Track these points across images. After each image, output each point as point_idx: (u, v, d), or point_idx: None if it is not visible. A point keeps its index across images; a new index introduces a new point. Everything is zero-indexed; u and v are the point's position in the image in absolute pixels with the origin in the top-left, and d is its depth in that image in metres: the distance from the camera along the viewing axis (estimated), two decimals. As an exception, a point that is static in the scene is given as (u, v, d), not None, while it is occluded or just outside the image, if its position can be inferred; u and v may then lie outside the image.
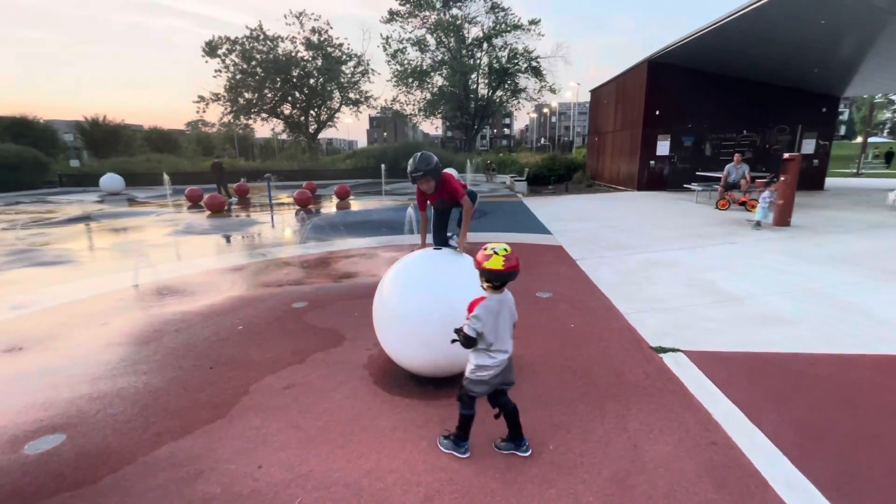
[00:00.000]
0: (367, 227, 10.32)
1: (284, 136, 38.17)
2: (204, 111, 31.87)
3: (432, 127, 44.53)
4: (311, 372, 3.42)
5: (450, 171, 18.46)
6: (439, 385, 3.12)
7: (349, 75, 34.04)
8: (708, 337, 3.86)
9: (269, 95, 32.27)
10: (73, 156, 29.84)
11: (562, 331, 4.08)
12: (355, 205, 15.60)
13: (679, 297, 4.90)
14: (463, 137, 42.16)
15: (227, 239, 9.75)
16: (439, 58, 36.28)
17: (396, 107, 37.99)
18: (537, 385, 3.13)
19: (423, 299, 2.95)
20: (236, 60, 30.26)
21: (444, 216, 3.50)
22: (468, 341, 2.30)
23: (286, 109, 33.64)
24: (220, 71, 30.05)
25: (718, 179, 11.92)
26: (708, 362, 3.39)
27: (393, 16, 34.21)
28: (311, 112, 34.41)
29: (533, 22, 34.23)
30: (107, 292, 5.63)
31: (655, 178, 15.85)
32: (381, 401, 2.99)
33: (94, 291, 5.70)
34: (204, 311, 4.85)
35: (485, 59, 36.69)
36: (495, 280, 2.32)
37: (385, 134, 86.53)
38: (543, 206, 13.30)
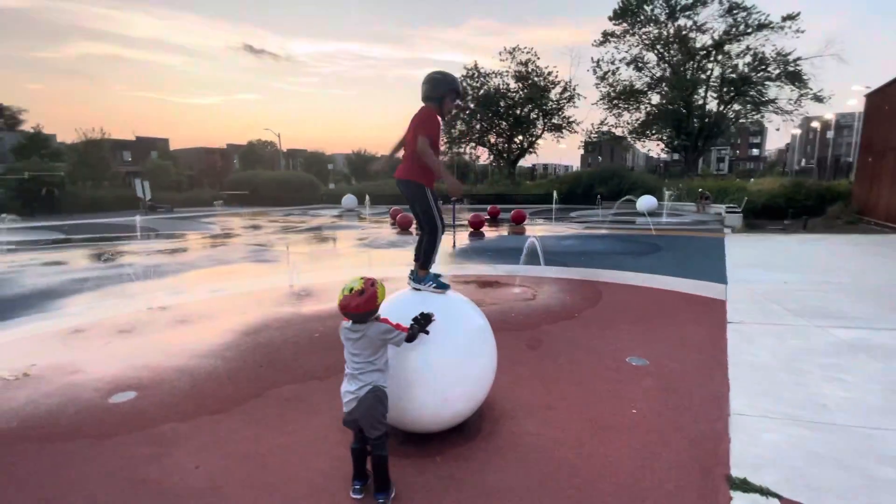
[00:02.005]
0: (513, 253, 10.04)
1: (487, 163, 41.03)
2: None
3: (655, 149, 40.35)
4: (319, 391, 3.52)
5: (649, 198, 16.74)
6: (417, 442, 2.77)
7: (555, 101, 34.25)
8: (863, 490, 2.27)
9: (478, 127, 35.32)
10: (331, 180, 39.21)
11: (614, 414, 3.07)
12: (521, 230, 15.45)
13: (865, 410, 3.05)
14: (682, 161, 36.90)
15: (414, 252, 11.02)
16: (658, 75, 32.85)
17: (604, 129, 36.14)
18: (503, 478, 2.43)
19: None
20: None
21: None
22: None
23: (492, 138, 36.16)
24: (437, 107, 34.68)
25: None
26: (817, 535, 1.99)
27: (606, 37, 32.85)
28: (515, 140, 35.99)
29: (789, 17, 27.48)
30: (269, 288, 7.10)
31: (970, 217, 10.38)
32: (338, 441, 2.84)
33: (264, 286, 7.27)
34: (309, 315, 5.60)
35: (716, 70, 31.35)
36: (346, 316, 2.24)
37: (600, 158, 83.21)
38: (748, 247, 10.37)
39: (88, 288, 7.35)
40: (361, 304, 2.16)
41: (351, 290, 2.18)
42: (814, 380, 3.53)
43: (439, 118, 2.79)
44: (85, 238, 14.70)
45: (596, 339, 4.56)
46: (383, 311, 2.69)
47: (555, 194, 20.20)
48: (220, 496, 2.32)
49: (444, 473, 2.47)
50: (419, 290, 2.81)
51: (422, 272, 2.83)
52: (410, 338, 2.33)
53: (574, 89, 33.98)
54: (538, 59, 33.77)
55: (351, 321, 2.24)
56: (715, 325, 4.87)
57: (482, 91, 34.19)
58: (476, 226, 15.58)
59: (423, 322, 2.39)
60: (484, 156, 38.82)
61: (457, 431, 2.84)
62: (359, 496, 2.26)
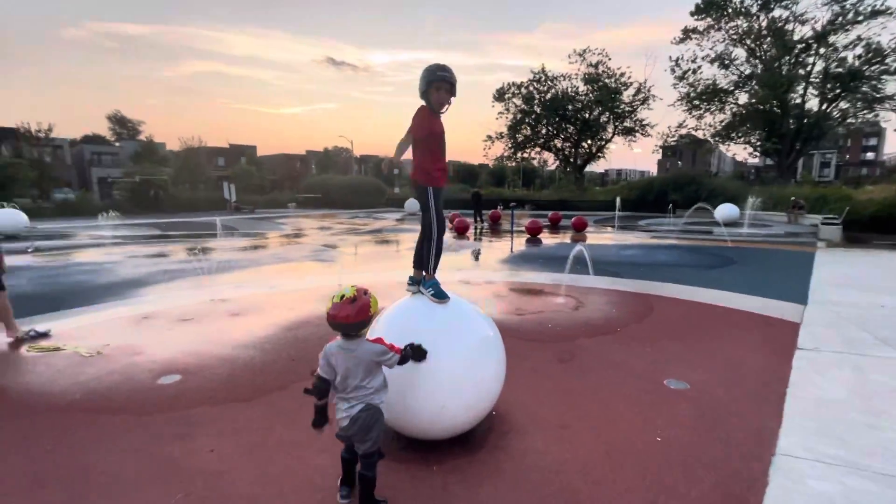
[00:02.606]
0: (566, 262, 9.66)
1: (553, 168, 40.03)
2: (489, 148, 37.01)
3: (743, 153, 36.97)
4: (339, 388, 3.61)
5: (728, 207, 15.77)
6: (419, 449, 2.75)
7: (627, 103, 32.62)
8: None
9: (543, 131, 34.58)
10: (397, 185, 40.53)
11: (634, 439, 2.81)
12: (583, 237, 14.83)
13: (957, 467, 2.52)
14: (775, 166, 33.36)
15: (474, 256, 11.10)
16: (747, 72, 30.04)
17: (682, 132, 33.75)
18: (495, 496, 2.31)
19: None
20: (517, 103, 34.00)
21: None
22: (314, 386, 2.15)
23: (558, 143, 35.24)
24: (502, 113, 34.47)
25: None
26: None
27: (687, 34, 30.67)
28: (583, 144, 34.74)
29: (914, 0, 23.77)
30: (319, 286, 7.45)
31: None
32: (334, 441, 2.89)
33: (315, 284, 7.66)
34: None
35: (818, 65, 27.97)
36: (333, 328, 2.10)
37: (680, 163, 77.82)
38: (843, 264, 9.10)
39: (166, 279, 8.22)
40: (352, 314, 2.05)
41: (342, 297, 2.08)
42: (895, 423, 2.98)
43: (429, 113, 2.69)
44: (175, 235, 16.48)
45: (634, 356, 4.23)
46: (388, 320, 2.73)
47: (617, 201, 19.15)
48: (223, 480, 2.46)
49: (437, 483, 2.42)
50: (422, 293, 2.78)
51: (427, 276, 2.81)
52: (403, 360, 2.24)
53: (649, 90, 32.16)
54: (609, 59, 32.42)
55: (340, 335, 2.15)
56: (780, 351, 4.30)
57: (549, 95, 33.44)
58: (533, 232, 15.20)
59: (416, 354, 2.32)
60: (552, 160, 37.95)
61: (460, 442, 2.77)
62: (345, 501, 2.25)
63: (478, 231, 17.72)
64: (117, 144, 55.97)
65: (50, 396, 3.50)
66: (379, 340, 2.23)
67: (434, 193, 2.73)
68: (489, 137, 35.43)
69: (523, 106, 33.71)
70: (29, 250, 11.74)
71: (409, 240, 14.75)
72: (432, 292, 2.72)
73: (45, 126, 41.37)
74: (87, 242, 14.06)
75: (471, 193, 21.07)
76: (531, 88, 33.25)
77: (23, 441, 2.87)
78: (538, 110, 33.33)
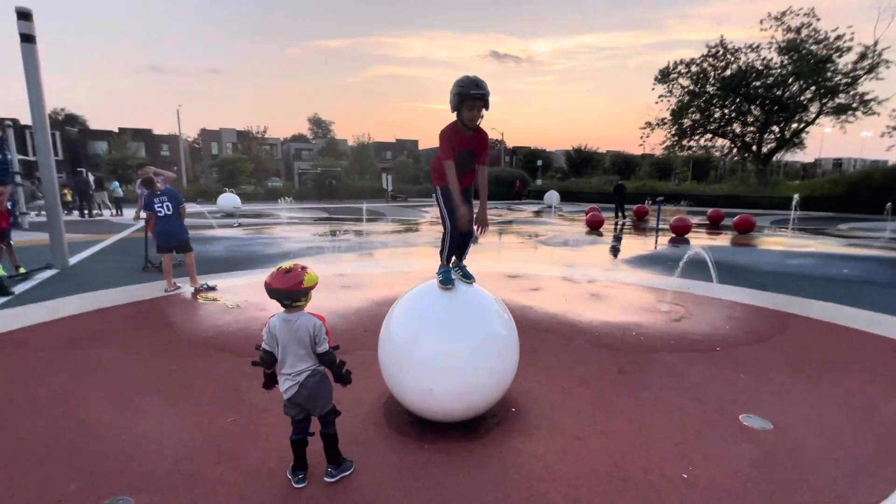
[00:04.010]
0: (703, 266, 8.34)
1: (732, 157, 33.74)
2: (648, 136, 32.91)
3: None
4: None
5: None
6: (421, 427, 2.93)
7: (846, 73, 25.47)
8: None
9: (717, 114, 29.40)
10: (546, 176, 39.69)
11: (651, 470, 2.44)
12: (746, 240, 12.44)
13: None
14: None
15: (613, 253, 10.70)
16: None
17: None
18: (467, 485, 2.31)
19: (411, 331, 2.85)
20: (684, 84, 29.42)
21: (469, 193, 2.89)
22: (261, 359, 2.31)
23: (737, 127, 29.56)
24: (663, 96, 30.24)
25: None
26: None
27: (955, -29, 22.31)
28: (773, 128, 28.48)
29: None
30: (423, 269, 7.98)
31: None
32: (373, 405, 3.21)
33: (420, 267, 8.26)
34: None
35: None
36: (268, 294, 2.25)
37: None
38: None
39: (312, 253, 9.84)
40: (283, 283, 2.21)
41: (278, 268, 2.25)
42: None
43: (453, 134, 2.66)
44: (336, 218, 19.35)
45: (717, 381, 3.56)
46: (406, 299, 2.97)
47: (795, 198, 15.39)
48: (265, 414, 3.04)
49: (420, 460, 2.55)
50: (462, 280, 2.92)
51: (442, 264, 2.94)
52: (330, 362, 2.33)
53: (879, 55, 24.56)
54: (818, 20, 25.65)
55: (282, 308, 2.29)
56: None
57: (727, 71, 28.27)
58: (679, 231, 13.35)
59: (341, 372, 2.37)
60: (727, 148, 32.13)
61: (462, 429, 2.83)
62: (303, 485, 2.32)
63: (617, 227, 16.33)
64: (313, 142, 67.72)
65: (194, 333, 4.70)
66: (321, 317, 2.30)
67: (442, 192, 2.85)
68: (647, 124, 31.74)
69: (691, 87, 29.11)
70: (234, 225, 15.29)
71: (534, 232, 14.51)
72: (440, 279, 2.84)
73: (262, 128, 52.45)
74: (273, 221, 17.59)
75: (614, 185, 19.45)
76: (704, 65, 28.50)
77: (161, 361, 3.96)
78: (711, 90, 28.43)
